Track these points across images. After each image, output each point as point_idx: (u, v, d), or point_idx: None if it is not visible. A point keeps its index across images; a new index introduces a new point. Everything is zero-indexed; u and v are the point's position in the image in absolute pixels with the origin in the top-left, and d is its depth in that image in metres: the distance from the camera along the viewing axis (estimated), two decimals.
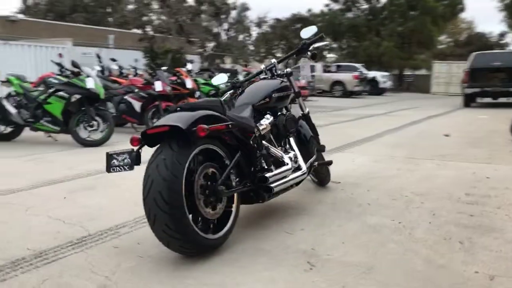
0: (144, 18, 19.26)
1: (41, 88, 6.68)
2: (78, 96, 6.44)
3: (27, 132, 6.94)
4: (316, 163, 3.57)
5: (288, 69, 3.74)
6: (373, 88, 23.89)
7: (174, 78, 8.09)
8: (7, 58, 10.47)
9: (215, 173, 2.57)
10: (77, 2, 38.25)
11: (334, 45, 35.50)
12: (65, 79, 6.50)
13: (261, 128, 3.08)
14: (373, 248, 2.64)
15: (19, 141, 6.92)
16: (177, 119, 2.39)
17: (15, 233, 2.88)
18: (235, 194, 2.74)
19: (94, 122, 6.41)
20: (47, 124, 6.52)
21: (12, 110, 6.60)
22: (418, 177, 4.49)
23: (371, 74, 24.45)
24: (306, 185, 4.06)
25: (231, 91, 3.51)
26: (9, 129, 6.86)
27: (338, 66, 24.20)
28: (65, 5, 38.22)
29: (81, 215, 3.22)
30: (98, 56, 10.34)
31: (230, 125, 2.61)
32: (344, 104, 16.44)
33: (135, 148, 2.47)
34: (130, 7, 20.68)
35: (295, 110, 3.77)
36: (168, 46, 17.66)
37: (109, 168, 2.45)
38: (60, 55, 8.50)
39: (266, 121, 3.16)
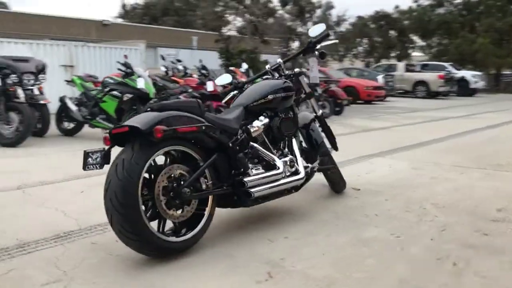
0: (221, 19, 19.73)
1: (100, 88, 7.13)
2: (129, 95, 6.76)
3: (87, 128, 7.45)
4: (316, 168, 3.39)
5: (297, 69, 3.59)
6: (462, 89, 22.17)
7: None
8: (85, 59, 11.34)
9: (184, 175, 2.54)
10: (168, 6, 40.34)
11: (422, 43, 33.64)
12: (119, 79, 6.86)
13: (252, 130, 2.99)
14: (348, 263, 2.44)
15: (79, 136, 7.45)
16: (139, 119, 2.39)
17: (17, 224, 3.09)
18: (209, 197, 2.68)
19: None
20: (102, 121, 6.94)
21: (73, 107, 7.14)
22: (451, 187, 4.07)
23: (461, 73, 22.73)
24: (321, 191, 3.87)
25: (235, 91, 3.46)
26: (72, 125, 7.42)
27: (424, 65, 22.87)
28: (158, 9, 40.49)
29: (86, 209, 3.37)
30: (163, 58, 10.78)
31: (203, 127, 2.56)
32: (423, 106, 15.49)
33: (106, 148, 2.51)
34: (206, 9, 21.29)
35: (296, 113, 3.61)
36: (243, 47, 17.95)
37: (84, 166, 2.52)
38: (126, 56, 8.98)
39: (258, 123, 3.06)
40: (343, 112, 11.77)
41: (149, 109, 2.54)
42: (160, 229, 2.49)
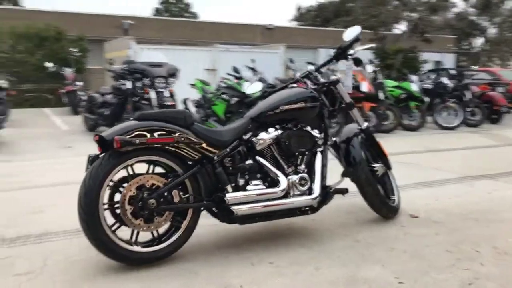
0: (376, 18, 18.79)
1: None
2: (236, 99, 7.00)
3: None
4: (332, 189, 2.99)
5: (334, 77, 3.24)
6: None
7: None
8: (228, 62, 12.11)
9: (158, 186, 2.52)
10: (340, 7, 40.17)
11: None
12: (230, 83, 7.16)
13: (256, 142, 2.81)
14: None
15: None
16: (113, 129, 2.47)
17: (37, 216, 3.43)
18: (189, 210, 2.62)
19: None
20: (213, 123, 7.33)
21: (193, 109, 7.70)
22: None
23: None
24: (367, 213, 3.41)
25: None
26: None
27: None
28: (330, 11, 40.65)
29: None
30: (291, 61, 10.77)
31: (182, 138, 2.52)
32: None
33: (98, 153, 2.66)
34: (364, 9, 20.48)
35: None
36: (400, 46, 16.82)
37: (86, 169, 2.72)
38: (253, 61, 9.31)
39: (265, 135, 2.84)
40: (502, 121, 10.13)
41: (131, 118, 2.60)
42: (133, 238, 2.53)
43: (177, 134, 2.52)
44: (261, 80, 9.39)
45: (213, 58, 11.94)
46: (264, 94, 3.20)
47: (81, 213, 2.37)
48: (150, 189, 2.51)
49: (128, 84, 7.26)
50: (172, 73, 8.34)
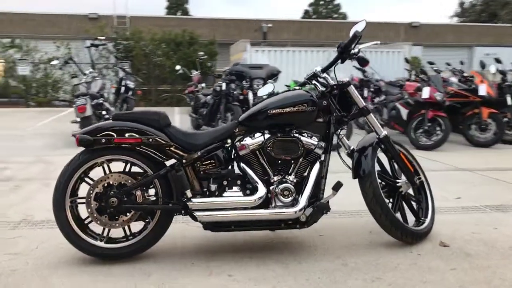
0: None
1: None
2: None
3: None
4: (316, 204, 2.66)
5: (346, 78, 2.90)
6: None
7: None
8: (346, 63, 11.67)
9: (125, 185, 2.57)
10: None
11: None
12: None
13: (242, 147, 2.67)
14: None
15: None
16: (87, 128, 2.60)
17: None
18: (157, 212, 2.61)
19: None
20: None
21: None
22: None
23: None
24: (389, 238, 2.98)
25: None
26: None
27: None
28: (498, 4, 36.21)
29: None
30: (407, 61, 9.84)
31: (150, 139, 2.53)
32: None
33: None
34: None
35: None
36: None
37: None
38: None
39: (248, 140, 2.67)
40: None
41: (110, 118, 2.70)
42: (104, 233, 2.63)
43: (146, 136, 2.53)
44: (368, 81, 8.86)
45: (326, 58, 11.64)
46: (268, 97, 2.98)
47: (52, 205, 2.55)
48: (118, 188, 2.57)
49: (223, 86, 7.53)
50: (272, 75, 8.41)
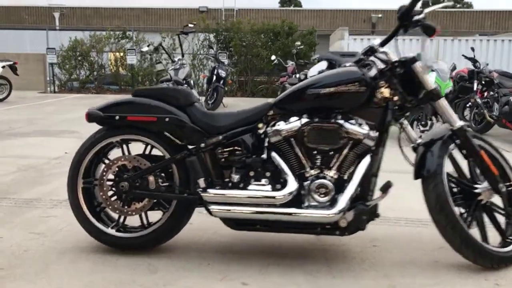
0: None
1: None
2: None
3: None
4: (360, 207, 2.11)
5: (410, 54, 2.32)
6: None
7: None
8: (449, 52, 10.47)
9: (140, 168, 2.31)
10: None
11: None
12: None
13: (272, 133, 2.26)
14: None
15: None
16: (102, 103, 2.38)
17: None
18: (173, 201, 2.30)
19: (428, 122, 5.72)
20: None
21: None
22: None
23: None
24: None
25: None
26: None
27: None
28: None
29: None
30: (472, 49, 8.39)
31: (167, 119, 2.24)
32: None
33: None
34: None
35: None
36: None
37: None
38: (472, 49, 7.76)
39: (282, 125, 2.23)
40: None
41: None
42: (120, 220, 2.40)
43: (163, 115, 2.24)
44: (479, 72, 7.72)
45: (434, 48, 10.52)
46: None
47: (66, 186, 2.38)
48: (132, 172, 2.32)
49: (309, 74, 7.07)
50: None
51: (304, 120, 2.22)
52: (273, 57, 12.44)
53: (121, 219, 2.40)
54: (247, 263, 2.26)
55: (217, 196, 2.19)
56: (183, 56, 8.02)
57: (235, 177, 2.24)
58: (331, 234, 2.23)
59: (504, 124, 6.32)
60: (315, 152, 2.21)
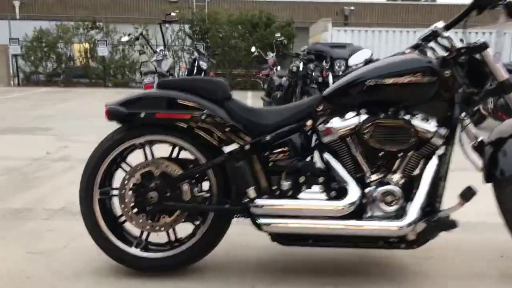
0: None
1: None
2: None
3: None
4: (434, 218, 1.84)
5: (481, 40, 2.03)
6: None
7: None
8: None
9: (170, 174, 1.94)
10: None
11: None
12: None
13: (327, 131, 1.93)
14: None
15: None
16: (122, 98, 1.99)
17: None
18: (209, 214, 1.95)
19: None
20: None
21: None
22: None
23: None
24: None
25: None
26: None
27: None
28: None
29: None
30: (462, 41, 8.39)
31: (203, 116, 1.87)
32: None
33: None
34: None
35: None
36: None
37: None
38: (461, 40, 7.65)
39: (337, 122, 1.92)
40: None
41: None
42: (143, 236, 2.02)
43: (196, 111, 1.88)
44: None
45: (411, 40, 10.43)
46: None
47: (79, 197, 1.98)
48: (160, 179, 1.94)
49: (300, 66, 6.78)
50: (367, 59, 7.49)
51: (364, 116, 1.91)
52: (253, 49, 12.06)
53: (144, 236, 2.02)
54: (298, 283, 1.93)
55: (270, 208, 1.85)
56: (165, 46, 7.57)
57: (286, 184, 1.91)
58: (394, 248, 1.93)
59: (500, 117, 6.21)
60: (377, 153, 1.90)
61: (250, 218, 1.90)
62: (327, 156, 1.94)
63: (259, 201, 1.85)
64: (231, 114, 1.91)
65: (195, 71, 8.98)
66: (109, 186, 2.02)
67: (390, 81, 1.89)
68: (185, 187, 1.91)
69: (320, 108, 1.99)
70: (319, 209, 1.85)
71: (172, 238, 2.03)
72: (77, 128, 6.00)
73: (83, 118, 6.99)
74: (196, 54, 9.59)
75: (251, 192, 1.85)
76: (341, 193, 1.89)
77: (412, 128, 1.86)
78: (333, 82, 6.63)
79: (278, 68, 11.12)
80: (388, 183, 1.89)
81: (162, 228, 1.95)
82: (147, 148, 2.00)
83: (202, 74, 9.11)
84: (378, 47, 10.09)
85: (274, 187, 1.92)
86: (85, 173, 1.95)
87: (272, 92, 7.73)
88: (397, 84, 1.89)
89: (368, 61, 2.27)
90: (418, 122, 1.89)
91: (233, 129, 1.89)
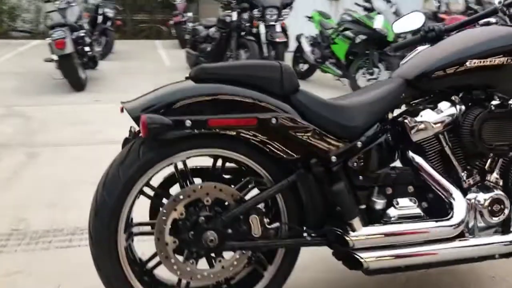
0: None
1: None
2: (363, 37, 5.50)
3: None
4: None
5: None
6: None
7: None
8: None
9: (223, 203, 1.39)
10: None
11: None
12: (356, 16, 5.63)
13: (415, 128, 1.51)
14: None
15: (311, 80, 6.67)
16: (145, 97, 1.35)
17: None
18: (278, 250, 1.46)
19: (375, 69, 5.36)
20: (330, 66, 5.97)
21: (307, 48, 6.36)
22: None
23: None
24: None
25: (423, 46, 1.86)
26: (305, 67, 6.71)
27: None
28: None
29: None
30: None
31: (275, 120, 1.32)
32: None
33: None
34: None
35: None
36: None
37: None
38: None
39: (430, 115, 1.51)
40: None
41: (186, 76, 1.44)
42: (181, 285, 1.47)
43: (266, 112, 1.32)
44: (396, 13, 7.64)
45: None
46: (421, 36, 1.74)
47: (90, 241, 1.35)
48: (211, 210, 1.38)
49: (234, 16, 6.15)
50: (287, 3, 7.01)
51: (462, 106, 1.53)
52: None
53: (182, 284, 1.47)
54: None
55: (374, 238, 1.41)
56: None
57: (380, 203, 1.47)
58: (491, 258, 1.64)
59: None
60: (480, 151, 1.55)
61: (337, 251, 1.46)
62: (417, 158, 1.53)
63: (359, 233, 1.40)
64: (303, 113, 1.39)
65: (99, 19, 7.82)
66: (130, 222, 1.40)
67: (494, 60, 1.52)
68: (254, 218, 1.37)
69: (403, 95, 1.56)
70: (428, 231, 1.46)
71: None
72: None
73: None
74: None
75: (357, 223, 1.39)
76: (438, 206, 1.52)
77: None
78: (266, 32, 6.17)
79: (190, 14, 10.20)
80: (490, 188, 1.56)
81: (219, 275, 1.42)
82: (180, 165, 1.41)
83: (109, 23, 8.00)
84: None
85: (362, 206, 1.48)
86: (101, 215, 1.30)
87: (197, 44, 6.99)
88: (500, 65, 1.52)
89: (416, 31, 1.82)
90: None
91: (319, 136, 1.37)
